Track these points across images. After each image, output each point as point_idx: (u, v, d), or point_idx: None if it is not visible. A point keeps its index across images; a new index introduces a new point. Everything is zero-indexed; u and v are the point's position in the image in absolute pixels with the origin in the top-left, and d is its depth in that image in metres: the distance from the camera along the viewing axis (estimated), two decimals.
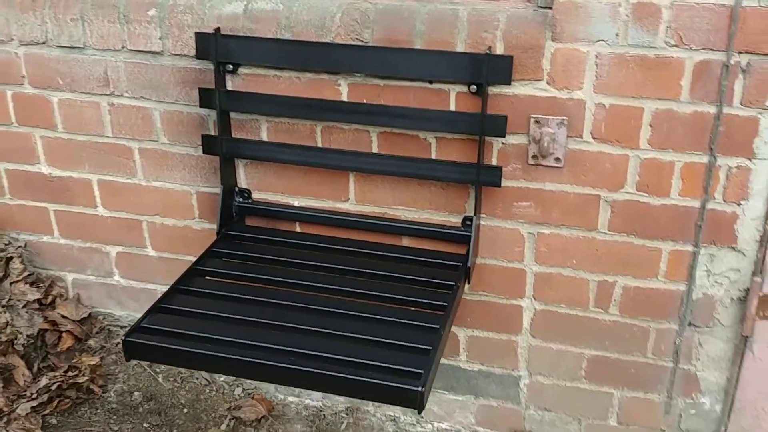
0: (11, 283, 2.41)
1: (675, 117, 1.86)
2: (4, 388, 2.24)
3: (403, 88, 2.00)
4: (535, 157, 1.97)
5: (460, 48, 1.92)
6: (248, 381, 2.52)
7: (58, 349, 2.41)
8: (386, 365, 1.67)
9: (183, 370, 2.50)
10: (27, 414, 2.21)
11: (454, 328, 2.22)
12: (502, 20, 1.88)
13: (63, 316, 2.47)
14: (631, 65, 1.83)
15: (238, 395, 2.50)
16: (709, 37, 1.76)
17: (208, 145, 2.15)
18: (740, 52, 1.76)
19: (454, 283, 1.96)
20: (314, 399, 2.50)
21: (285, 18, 2.01)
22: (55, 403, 2.28)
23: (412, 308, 1.90)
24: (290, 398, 2.52)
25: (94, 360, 2.41)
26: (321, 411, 2.48)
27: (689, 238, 1.97)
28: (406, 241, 2.18)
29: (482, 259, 2.13)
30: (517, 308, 2.18)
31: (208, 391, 2.49)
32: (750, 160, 1.86)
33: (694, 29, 1.76)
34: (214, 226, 2.31)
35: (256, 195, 2.25)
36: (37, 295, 2.41)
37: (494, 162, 2.01)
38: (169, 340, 1.76)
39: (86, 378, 2.29)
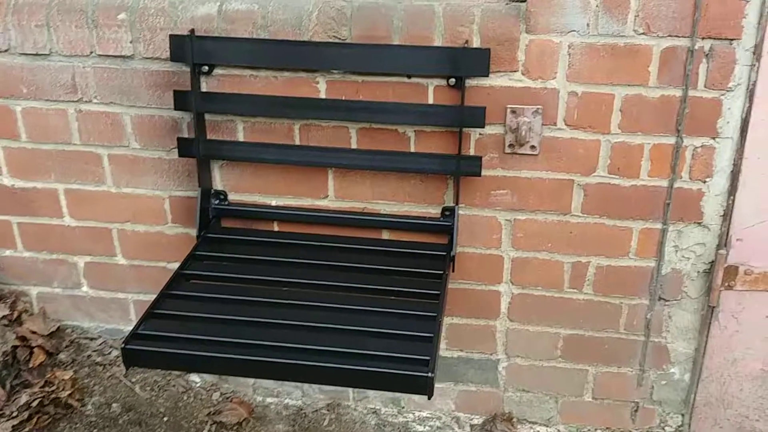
0: None
1: (644, 101, 1.96)
2: None
3: (381, 83, 2.04)
4: (511, 146, 2.04)
5: (437, 42, 1.97)
6: (225, 385, 2.51)
7: (30, 365, 2.34)
8: (392, 354, 1.71)
9: (158, 378, 2.47)
10: None
11: None
12: (477, 14, 1.94)
13: (32, 332, 2.40)
14: (601, 54, 1.93)
15: (216, 400, 2.49)
16: (674, 24, 1.87)
17: (184, 147, 2.14)
18: (703, 38, 1.88)
19: (442, 272, 2.01)
20: (294, 398, 2.51)
21: (261, 18, 2.02)
22: (34, 420, 2.21)
23: (404, 299, 1.94)
24: (269, 399, 2.52)
25: (68, 374, 2.36)
26: (302, 409, 2.49)
27: (658, 216, 2.08)
28: (386, 234, 2.22)
29: (461, 248, 2.19)
30: (495, 293, 2.25)
31: (185, 397, 2.46)
32: (714, 139, 1.98)
33: (660, 17, 1.87)
34: (188, 231, 2.31)
35: (232, 196, 2.24)
36: (6, 311, 2.34)
37: (472, 152, 2.07)
38: (170, 345, 1.75)
39: (67, 392, 2.23)
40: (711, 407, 2.30)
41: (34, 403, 2.20)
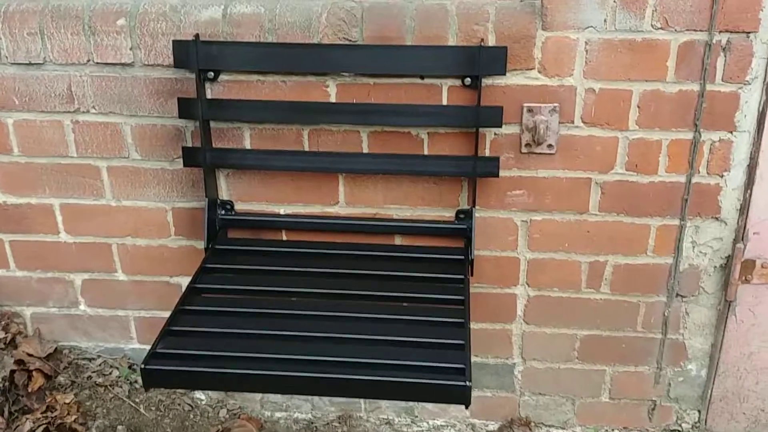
0: None
1: (661, 97, 1.94)
2: None
3: (393, 85, 1.99)
4: (528, 145, 2.01)
5: (451, 42, 1.93)
6: (232, 401, 2.44)
7: (29, 390, 2.24)
8: (425, 364, 1.65)
9: (163, 397, 2.38)
10: None
11: None
12: (492, 12, 1.90)
13: (29, 354, 2.29)
14: (619, 50, 1.90)
15: (224, 417, 2.41)
16: (692, 18, 1.85)
17: (190, 157, 2.06)
18: (721, 31, 1.86)
19: (462, 276, 1.97)
20: (303, 412, 2.44)
21: (268, 21, 1.95)
22: None
23: (427, 305, 1.89)
24: (278, 414, 2.45)
25: (69, 397, 2.26)
26: (312, 423, 2.42)
27: (676, 212, 2.06)
28: (398, 240, 2.17)
29: (476, 251, 2.14)
30: (511, 296, 2.21)
31: (192, 416, 2.38)
32: (731, 133, 1.96)
33: (678, 11, 1.85)
34: (192, 243, 2.23)
35: (239, 206, 2.17)
36: (1, 334, 2.23)
37: (487, 153, 2.03)
38: (192, 363, 1.67)
39: (73, 417, 2.14)
40: (727, 402, 2.29)
41: (39, 430, 2.09)
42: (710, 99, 1.93)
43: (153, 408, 2.35)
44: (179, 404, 2.39)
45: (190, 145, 2.10)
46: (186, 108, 2.01)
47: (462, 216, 2.11)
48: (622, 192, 2.05)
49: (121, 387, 2.37)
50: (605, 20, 1.88)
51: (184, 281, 2.28)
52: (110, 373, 2.40)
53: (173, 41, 1.96)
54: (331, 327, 1.78)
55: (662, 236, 2.09)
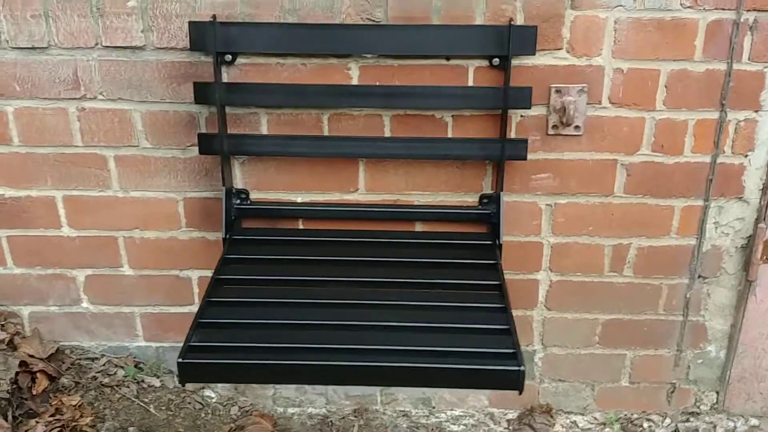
0: None
1: (689, 76, 1.92)
2: None
3: (417, 67, 1.93)
4: (555, 127, 1.98)
5: (479, 21, 1.88)
6: (243, 398, 2.36)
7: (34, 393, 2.12)
8: (473, 350, 1.61)
9: (173, 396, 2.29)
10: None
11: None
12: None
13: (30, 355, 2.18)
14: (648, 29, 1.88)
15: (236, 414, 2.33)
16: None
17: (206, 144, 1.98)
18: (749, 10, 1.85)
19: (495, 261, 1.92)
20: (317, 406, 2.37)
21: (288, 1, 1.88)
22: None
23: (463, 291, 1.84)
24: (291, 409, 2.38)
25: (76, 399, 2.15)
26: (327, 417, 2.36)
27: (700, 193, 2.05)
28: (419, 227, 2.12)
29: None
30: (533, 282, 2.18)
31: (203, 414, 2.29)
32: (756, 112, 1.96)
33: None
34: (204, 235, 2.15)
35: (254, 195, 2.09)
36: (2, 335, 2.12)
37: (513, 136, 1.99)
38: (231, 356, 1.60)
39: (88, 419, 2.03)
40: (745, 382, 2.30)
41: None
42: (737, 78, 1.92)
43: (163, 408, 2.26)
44: (189, 403, 2.30)
45: (204, 131, 2.01)
46: (202, 93, 1.93)
47: (486, 201, 2.07)
48: (648, 173, 2.03)
49: (128, 387, 2.27)
50: None
51: (195, 275, 2.20)
52: (115, 373, 2.30)
53: (189, 23, 1.87)
54: (369, 315, 1.73)
55: (686, 217, 2.08)
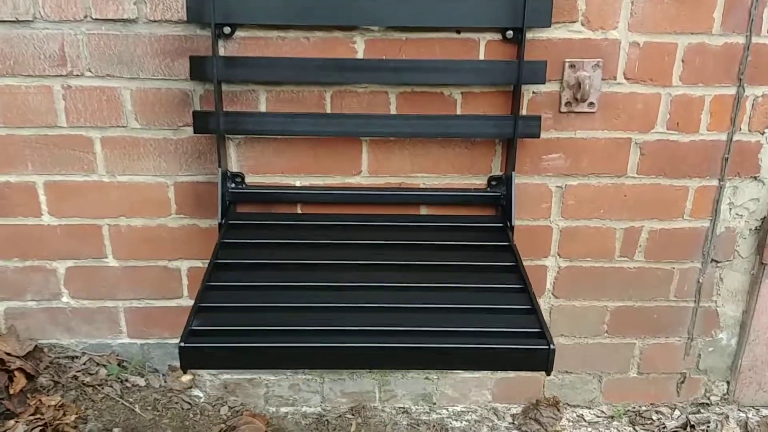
0: None
1: (706, 50, 1.86)
2: None
3: (426, 40, 1.84)
4: (568, 104, 1.90)
5: None
6: (233, 398, 2.22)
7: (11, 392, 1.97)
8: (499, 330, 1.51)
9: (158, 395, 2.15)
10: None
11: None
12: None
13: (6, 353, 2.02)
14: (665, 0, 1.81)
15: (226, 415, 2.19)
16: None
17: (201, 123, 1.85)
18: None
19: (508, 243, 1.83)
20: (312, 405, 2.25)
21: None
22: None
23: (478, 273, 1.74)
24: (283, 409, 2.25)
25: (56, 399, 2.00)
26: (323, 416, 2.23)
27: (715, 172, 1.99)
28: (424, 210, 2.01)
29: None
30: (541, 269, 2.10)
31: (191, 415, 2.15)
32: None
33: None
34: (195, 222, 2.03)
35: (249, 179, 1.97)
36: None
37: (524, 113, 1.91)
38: (235, 339, 1.47)
39: (72, 417, 1.88)
40: (756, 371, 2.24)
41: None
42: (755, 52, 1.87)
43: (149, 408, 2.11)
44: (177, 403, 2.16)
45: (198, 109, 1.89)
46: (199, 68, 1.81)
47: (494, 183, 1.98)
48: (662, 152, 1.96)
49: (111, 386, 2.12)
50: None
51: (185, 265, 2.07)
52: (97, 372, 2.15)
53: None
54: (387, 297, 1.62)
55: (700, 198, 2.02)
